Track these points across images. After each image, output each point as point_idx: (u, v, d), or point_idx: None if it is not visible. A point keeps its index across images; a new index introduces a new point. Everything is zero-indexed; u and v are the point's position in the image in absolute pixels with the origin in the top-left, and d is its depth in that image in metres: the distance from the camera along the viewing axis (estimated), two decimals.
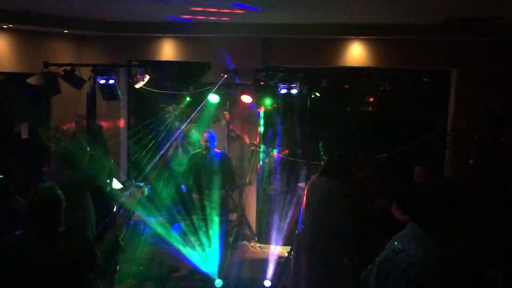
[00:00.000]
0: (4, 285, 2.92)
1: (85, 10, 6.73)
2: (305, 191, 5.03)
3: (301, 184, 7.16)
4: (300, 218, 5.39)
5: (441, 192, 2.36)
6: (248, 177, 7.26)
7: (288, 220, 7.09)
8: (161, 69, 7.88)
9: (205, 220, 6.39)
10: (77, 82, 6.46)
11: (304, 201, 4.99)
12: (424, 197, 2.39)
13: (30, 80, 6.36)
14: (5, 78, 7.47)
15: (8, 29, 7.18)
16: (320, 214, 4.72)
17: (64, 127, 7.74)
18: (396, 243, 2.38)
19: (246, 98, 6.97)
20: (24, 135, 7.71)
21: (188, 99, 7.65)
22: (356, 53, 7.41)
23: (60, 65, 6.44)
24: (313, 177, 5.07)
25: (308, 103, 6.64)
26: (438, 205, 2.31)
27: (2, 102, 7.46)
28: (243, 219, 7.37)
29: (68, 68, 6.41)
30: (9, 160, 7.02)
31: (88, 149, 4.74)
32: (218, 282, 5.96)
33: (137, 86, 6.72)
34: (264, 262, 6.48)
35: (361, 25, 7.02)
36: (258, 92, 6.73)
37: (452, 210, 2.29)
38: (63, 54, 7.70)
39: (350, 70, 7.71)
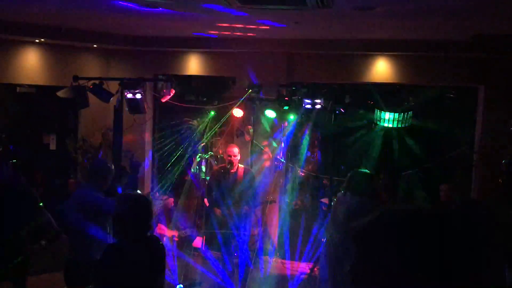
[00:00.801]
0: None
1: (113, 25, 6.89)
2: (332, 208, 5.00)
3: (324, 200, 7.12)
4: (324, 233, 5.36)
5: (464, 212, 2.27)
6: (271, 195, 7.25)
7: (311, 236, 7.04)
8: (186, 83, 7.97)
9: (228, 234, 6.39)
10: (105, 96, 6.58)
11: (330, 218, 4.95)
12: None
13: (60, 93, 6.50)
14: (36, 91, 7.68)
15: (40, 43, 7.39)
16: (345, 230, 4.67)
17: (91, 139, 7.89)
18: None
19: (270, 113, 6.99)
20: (52, 146, 7.88)
21: (212, 113, 7.72)
22: (381, 69, 7.38)
23: (89, 79, 6.57)
24: (339, 194, 5.05)
25: (333, 119, 6.61)
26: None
27: (33, 114, 7.66)
28: (265, 234, 7.34)
29: (97, 81, 6.53)
30: (37, 170, 7.17)
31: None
32: None
33: (163, 100, 6.81)
34: (286, 277, 6.44)
35: (386, 41, 7.00)
36: (282, 107, 6.74)
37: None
38: (91, 68, 7.87)
39: (375, 86, 7.67)
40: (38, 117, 7.72)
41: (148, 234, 3.31)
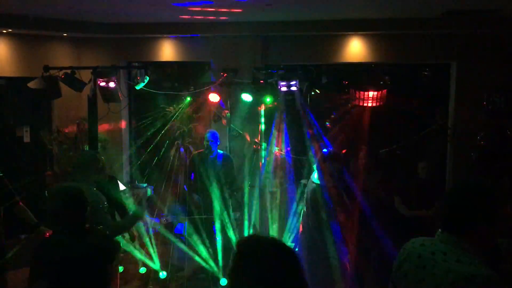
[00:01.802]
0: (39, 279, 3.13)
1: (83, 12, 6.74)
2: (311, 188, 5.04)
3: (303, 181, 7.18)
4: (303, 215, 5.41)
5: (476, 194, 2.20)
6: (250, 179, 7.27)
7: (291, 217, 7.10)
8: (161, 70, 7.89)
9: (208, 219, 6.41)
10: (77, 85, 6.47)
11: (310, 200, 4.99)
12: (459, 202, 2.23)
13: (31, 84, 6.37)
14: (5, 83, 7.51)
15: (7, 33, 7.21)
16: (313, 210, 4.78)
17: (66, 130, 7.77)
18: (425, 250, 2.26)
19: (246, 97, 6.97)
20: (26, 138, 7.74)
21: (188, 99, 7.66)
22: (355, 48, 7.41)
23: (60, 68, 6.45)
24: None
25: (308, 100, 6.63)
26: (475, 209, 2.17)
27: (4, 106, 7.50)
28: (246, 218, 7.38)
29: (68, 71, 6.41)
30: (12, 163, 7.04)
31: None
32: (223, 280, 5.98)
33: (138, 87, 6.73)
34: None
35: (359, 21, 7.02)
36: (258, 91, 6.73)
37: (488, 212, 2.19)
38: (63, 57, 7.72)
39: (349, 66, 7.71)
40: (9, 110, 7.55)
41: (87, 226, 3.28)
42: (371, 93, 6.97)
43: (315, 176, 5.07)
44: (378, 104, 7.03)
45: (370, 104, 7.00)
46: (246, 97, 6.91)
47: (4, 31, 7.11)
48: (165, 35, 7.76)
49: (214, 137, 6.51)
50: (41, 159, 7.73)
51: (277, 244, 2.01)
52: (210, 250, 6.32)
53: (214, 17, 6.77)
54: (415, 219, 5.80)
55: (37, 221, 4.76)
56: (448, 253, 2.17)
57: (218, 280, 6.03)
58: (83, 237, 3.21)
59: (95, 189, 4.36)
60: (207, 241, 6.35)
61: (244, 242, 2.04)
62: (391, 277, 2.41)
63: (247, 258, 1.95)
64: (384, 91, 7.07)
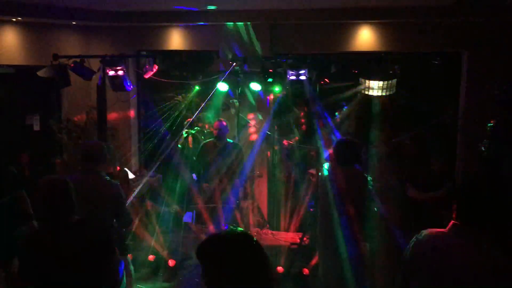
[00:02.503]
0: (28, 273, 3.02)
1: (92, 1, 6.74)
2: (321, 179, 4.95)
3: (311, 171, 7.17)
4: (315, 205, 5.39)
5: (494, 189, 2.21)
6: (258, 168, 7.27)
7: (299, 206, 7.11)
8: (169, 58, 7.87)
9: (217, 208, 6.43)
10: (86, 74, 6.49)
11: (320, 190, 4.90)
12: (478, 196, 2.22)
13: (40, 73, 6.40)
14: (15, 71, 7.53)
15: (17, 22, 7.22)
16: (344, 202, 4.66)
17: (75, 119, 7.80)
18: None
19: (255, 86, 6.95)
20: (36, 127, 7.79)
21: (197, 88, 7.66)
22: (365, 37, 7.35)
23: (69, 57, 6.47)
24: (325, 164, 5.00)
25: (317, 89, 6.59)
26: (493, 203, 2.18)
27: (14, 94, 7.53)
28: (254, 207, 7.40)
29: (77, 59, 6.43)
30: (22, 152, 7.08)
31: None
32: None
33: (146, 76, 6.73)
34: (276, 248, 6.52)
35: (369, 9, 6.95)
36: (266, 80, 6.71)
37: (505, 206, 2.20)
38: (72, 45, 7.73)
39: (359, 54, 7.64)
40: (19, 98, 7.59)
41: (76, 218, 3.08)
42: (380, 83, 6.91)
43: (325, 166, 5.02)
44: (387, 93, 6.97)
45: (378, 94, 6.94)
46: (255, 86, 6.89)
47: (14, 19, 7.13)
48: (173, 24, 7.73)
49: (223, 126, 6.50)
50: (51, 147, 7.78)
51: (237, 240, 2.07)
52: None
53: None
54: (425, 208, 5.76)
55: (32, 213, 4.77)
56: (465, 246, 2.16)
57: None
58: (72, 229, 3.04)
59: (108, 178, 4.36)
60: (215, 229, 6.38)
61: (202, 246, 2.11)
62: (402, 270, 2.39)
63: (209, 261, 2.04)
64: (394, 80, 7.01)
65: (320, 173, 5.15)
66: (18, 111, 7.63)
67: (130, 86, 6.72)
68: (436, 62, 7.42)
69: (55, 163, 7.72)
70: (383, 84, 6.56)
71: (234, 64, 6.77)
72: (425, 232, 2.35)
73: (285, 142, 7.39)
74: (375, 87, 6.60)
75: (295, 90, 6.55)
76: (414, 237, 2.39)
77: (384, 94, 6.60)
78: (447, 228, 2.29)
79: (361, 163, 4.89)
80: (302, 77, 6.38)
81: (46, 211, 3.04)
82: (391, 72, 7.24)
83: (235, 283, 1.98)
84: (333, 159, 4.91)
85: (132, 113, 8.18)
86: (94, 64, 6.55)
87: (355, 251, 4.60)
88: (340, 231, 4.58)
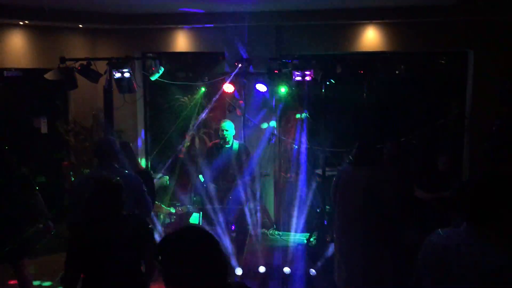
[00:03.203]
0: (75, 262, 3.23)
1: (98, 3, 6.78)
2: (338, 182, 4.85)
3: (318, 171, 7.17)
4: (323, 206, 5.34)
5: (501, 186, 2.20)
6: (264, 169, 7.28)
7: (306, 207, 7.11)
8: (175, 60, 7.90)
9: (224, 209, 6.44)
10: (93, 76, 6.54)
11: (340, 192, 4.81)
12: (484, 194, 2.22)
13: (48, 75, 6.44)
14: (23, 74, 7.59)
15: (24, 25, 7.28)
16: (368, 204, 4.56)
17: (82, 121, 7.85)
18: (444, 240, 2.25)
19: (261, 87, 6.97)
20: (44, 129, 7.84)
21: (203, 89, 7.68)
22: (370, 37, 7.34)
23: (76, 60, 6.51)
24: (345, 165, 4.89)
25: (323, 90, 6.59)
26: (500, 200, 2.18)
27: (21, 97, 7.59)
28: (261, 208, 7.41)
29: (84, 62, 6.47)
30: (30, 154, 7.14)
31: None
32: (238, 270, 6.02)
33: (152, 78, 6.76)
34: (283, 249, 6.53)
35: (375, 9, 6.94)
36: (272, 81, 6.72)
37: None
38: (78, 48, 7.78)
39: (365, 55, 7.64)
40: (27, 101, 7.65)
41: (124, 213, 3.36)
42: (386, 83, 6.92)
43: (343, 168, 4.93)
44: (391, 93, 6.97)
45: (383, 93, 6.95)
46: (261, 87, 6.90)
47: (21, 23, 7.18)
48: (179, 26, 7.77)
49: (229, 127, 6.52)
50: (58, 149, 7.83)
51: (193, 237, 2.15)
52: (225, 239, 6.36)
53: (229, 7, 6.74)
54: (432, 208, 5.73)
55: (47, 213, 4.84)
56: (474, 245, 2.17)
57: (233, 269, 6.07)
58: (119, 223, 3.30)
59: (127, 172, 4.41)
60: (222, 231, 6.39)
61: (159, 244, 2.18)
62: (415, 269, 2.40)
63: (166, 258, 2.11)
64: (399, 80, 7.01)
65: (336, 175, 4.99)
66: (25, 114, 7.69)
67: (136, 88, 6.75)
68: (442, 62, 7.40)
69: (62, 165, 7.77)
70: (389, 84, 6.51)
71: (240, 65, 6.79)
72: (437, 231, 2.36)
73: (292, 144, 7.39)
74: (381, 87, 6.55)
75: (301, 91, 6.56)
76: (428, 237, 2.39)
77: (390, 93, 6.55)
78: (460, 228, 2.29)
79: (382, 164, 4.76)
80: (308, 78, 6.39)
81: (100, 205, 3.28)
82: (397, 72, 7.24)
83: (191, 279, 2.06)
84: (353, 160, 4.78)
85: (139, 115, 8.21)
86: (101, 66, 6.59)
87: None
88: (365, 240, 4.50)
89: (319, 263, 5.91)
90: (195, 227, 2.47)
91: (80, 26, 7.73)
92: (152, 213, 5.76)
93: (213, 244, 2.16)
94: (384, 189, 4.46)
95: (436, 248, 2.29)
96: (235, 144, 6.57)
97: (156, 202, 6.62)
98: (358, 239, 4.55)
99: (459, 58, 7.49)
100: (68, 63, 6.46)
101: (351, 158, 4.76)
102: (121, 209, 3.35)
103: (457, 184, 5.40)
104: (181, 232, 2.24)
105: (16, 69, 7.50)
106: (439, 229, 2.37)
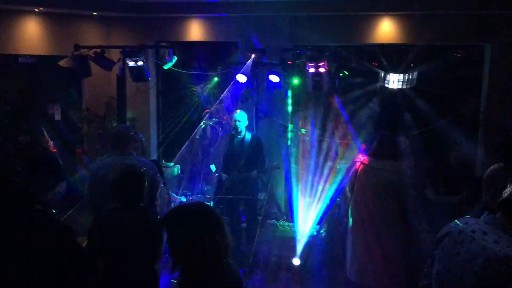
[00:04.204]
0: (100, 251, 3.27)
1: None
2: (356, 174, 4.82)
3: (331, 163, 7.14)
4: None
5: None
6: (276, 161, 7.26)
7: (317, 199, 7.09)
8: (189, 49, 7.89)
9: (235, 199, 6.45)
10: (106, 64, 6.56)
11: (359, 184, 4.77)
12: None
13: (62, 63, 6.48)
14: (38, 61, 7.64)
15: (39, 12, 7.31)
16: (387, 198, 4.56)
17: (95, 109, 7.89)
18: (472, 235, 2.22)
19: (273, 78, 6.94)
20: (57, 116, 7.89)
21: (215, 79, 7.67)
22: (386, 29, 7.26)
23: (90, 47, 6.53)
24: (365, 158, 4.79)
25: (336, 82, 6.55)
26: None
27: (36, 84, 7.64)
28: (272, 198, 7.42)
29: (98, 50, 6.49)
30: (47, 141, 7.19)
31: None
32: (248, 260, 6.03)
33: (166, 67, 6.76)
34: (293, 240, 6.53)
35: (391, 0, 6.86)
36: (285, 72, 6.68)
37: None
38: (92, 36, 7.80)
39: (380, 47, 7.56)
40: (41, 88, 7.70)
41: (142, 205, 3.40)
42: (400, 76, 6.84)
43: (359, 160, 4.90)
44: (407, 86, 6.89)
45: (398, 87, 6.87)
46: (274, 78, 6.87)
47: (36, 10, 7.22)
48: (193, 15, 7.75)
49: (242, 117, 6.51)
50: (72, 137, 7.88)
51: (197, 209, 2.39)
52: (236, 229, 6.38)
53: None
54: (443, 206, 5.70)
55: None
56: (488, 233, 2.18)
57: (243, 258, 6.09)
58: (138, 215, 3.33)
59: (143, 160, 4.48)
60: (233, 221, 6.41)
61: (167, 215, 2.43)
62: (431, 253, 2.41)
63: (172, 227, 2.35)
64: (415, 73, 6.93)
65: (353, 167, 4.96)
66: (40, 100, 7.74)
67: (150, 76, 6.76)
68: (458, 55, 7.30)
69: (75, 152, 7.83)
70: (403, 77, 6.48)
71: (253, 55, 6.76)
72: (460, 218, 2.36)
73: (302, 134, 7.36)
74: (395, 80, 6.52)
75: (314, 82, 6.52)
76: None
77: (405, 87, 6.52)
78: (480, 218, 2.29)
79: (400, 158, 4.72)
80: (321, 70, 6.35)
81: (123, 195, 3.32)
82: (411, 64, 7.16)
83: (192, 249, 2.27)
84: (371, 153, 4.77)
85: (151, 103, 8.24)
86: (115, 54, 6.60)
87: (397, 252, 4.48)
88: (380, 233, 4.48)
89: (329, 255, 5.92)
90: (202, 203, 2.60)
91: (95, 14, 7.75)
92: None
93: (216, 220, 2.35)
94: (404, 184, 4.46)
95: (453, 232, 2.31)
96: (247, 135, 6.57)
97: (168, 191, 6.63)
98: (373, 232, 4.55)
99: (475, 51, 7.39)
100: (82, 50, 6.49)
101: (370, 150, 4.74)
102: (141, 200, 3.38)
103: (467, 191, 5.30)
104: (188, 205, 2.48)
105: (31, 56, 7.54)
106: (462, 217, 2.37)
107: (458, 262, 2.21)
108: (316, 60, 6.32)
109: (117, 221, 3.27)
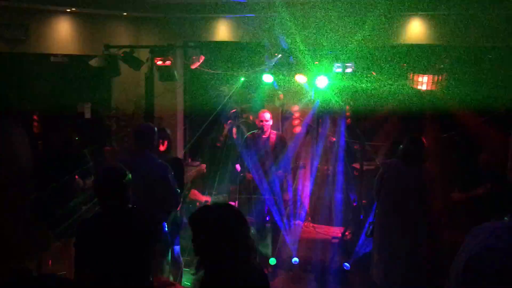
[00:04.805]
0: (84, 257, 3.15)
1: None
2: (384, 178, 4.77)
3: (355, 165, 7.08)
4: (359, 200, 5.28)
5: None
6: (302, 160, 7.24)
7: (342, 201, 7.04)
8: (216, 50, 7.94)
9: (259, 199, 6.46)
10: (135, 64, 6.65)
11: (386, 187, 4.71)
12: None
13: (92, 62, 6.60)
14: (68, 60, 7.80)
15: (71, 12, 7.46)
16: (415, 203, 4.53)
17: (124, 108, 8.00)
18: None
19: (300, 78, 6.91)
20: (87, 115, 8.05)
21: (242, 79, 7.69)
22: (415, 30, 7.15)
23: (119, 47, 6.63)
24: (393, 161, 4.78)
25: (364, 82, 6.47)
26: None
27: (66, 83, 7.81)
28: (297, 199, 7.40)
29: (127, 50, 6.59)
30: (73, 139, 7.33)
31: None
32: (272, 260, 6.04)
33: (193, 67, 6.82)
34: (317, 242, 6.50)
35: (420, 0, 6.74)
36: (312, 72, 6.64)
37: None
38: (122, 36, 7.93)
39: (409, 47, 7.44)
40: (72, 86, 7.86)
41: (130, 206, 3.20)
42: (430, 77, 6.72)
43: (388, 164, 4.84)
44: (434, 88, 6.76)
45: (425, 88, 6.75)
46: (300, 78, 6.85)
47: (68, 10, 7.37)
48: (221, 15, 7.79)
49: (268, 117, 6.51)
50: (101, 135, 8.02)
51: (223, 210, 2.39)
52: (260, 229, 6.38)
53: None
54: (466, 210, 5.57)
55: None
56: (507, 240, 2.09)
57: (267, 259, 6.09)
58: (123, 218, 3.16)
59: (160, 161, 4.45)
60: (257, 222, 6.41)
61: (193, 215, 2.43)
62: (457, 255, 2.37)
63: (198, 227, 2.37)
64: (444, 75, 6.79)
65: (381, 170, 4.88)
66: (70, 99, 7.90)
67: (177, 76, 6.83)
68: (490, 56, 7.13)
69: (104, 150, 7.97)
70: (432, 79, 6.36)
71: (280, 56, 6.75)
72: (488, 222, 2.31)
73: (329, 134, 7.31)
74: (424, 81, 6.42)
75: (341, 82, 6.47)
76: None
77: (434, 88, 6.41)
78: (504, 221, 2.22)
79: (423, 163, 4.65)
80: (348, 70, 6.30)
81: (105, 198, 3.17)
82: (442, 65, 7.02)
83: (217, 249, 2.29)
84: (400, 158, 4.70)
85: (178, 102, 8.31)
86: (143, 54, 6.70)
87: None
88: (406, 238, 4.43)
89: (353, 258, 5.87)
90: (226, 203, 2.57)
91: (124, 14, 7.87)
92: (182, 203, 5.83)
93: (240, 221, 2.36)
94: (431, 189, 4.41)
95: (477, 230, 2.20)
96: (273, 135, 6.56)
97: (194, 189, 6.70)
98: (399, 236, 4.50)
99: (508, 52, 7.19)
100: (111, 50, 6.60)
101: (399, 154, 4.67)
102: (126, 201, 3.18)
103: (491, 181, 5.19)
104: (212, 205, 2.48)
105: (63, 55, 7.71)
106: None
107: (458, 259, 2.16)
108: (343, 60, 6.27)
109: (98, 227, 3.13)
